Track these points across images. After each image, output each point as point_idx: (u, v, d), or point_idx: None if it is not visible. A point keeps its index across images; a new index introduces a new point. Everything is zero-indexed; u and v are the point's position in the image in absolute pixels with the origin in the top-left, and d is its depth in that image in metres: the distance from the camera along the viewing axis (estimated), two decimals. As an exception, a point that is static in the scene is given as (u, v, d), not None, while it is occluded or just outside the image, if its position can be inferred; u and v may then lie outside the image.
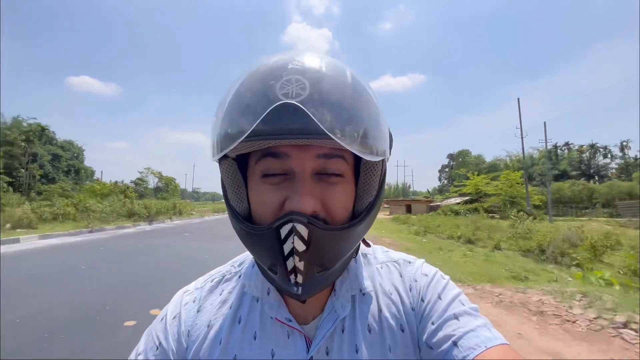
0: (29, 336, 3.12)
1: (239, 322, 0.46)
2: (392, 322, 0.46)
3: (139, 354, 0.45)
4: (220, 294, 0.50)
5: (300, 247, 0.35)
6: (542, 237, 8.37)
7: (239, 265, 0.54)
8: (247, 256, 0.54)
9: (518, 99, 28.09)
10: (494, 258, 7.61)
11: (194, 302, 0.49)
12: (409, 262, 0.53)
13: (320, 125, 0.31)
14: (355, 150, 0.33)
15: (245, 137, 0.33)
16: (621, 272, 5.81)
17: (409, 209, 34.67)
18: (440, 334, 0.41)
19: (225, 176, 0.42)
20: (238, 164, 0.42)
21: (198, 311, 0.48)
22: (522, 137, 28.10)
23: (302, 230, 0.35)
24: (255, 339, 0.44)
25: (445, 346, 0.40)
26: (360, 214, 0.41)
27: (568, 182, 37.80)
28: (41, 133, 34.29)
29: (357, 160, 0.42)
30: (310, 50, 0.40)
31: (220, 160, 0.41)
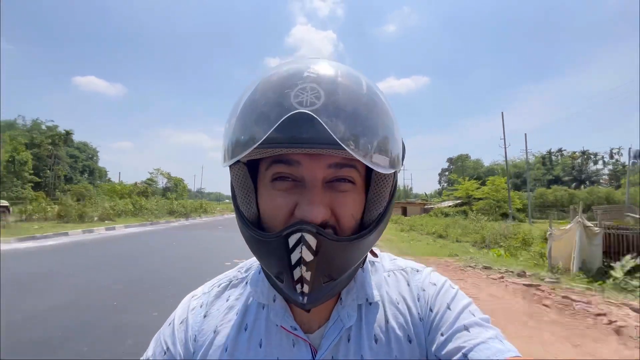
0: (142, 293, 5.00)
1: (245, 330, 0.46)
2: (399, 332, 0.44)
3: (148, 358, 0.46)
4: (227, 300, 0.50)
5: (308, 257, 0.35)
6: (486, 232, 11.31)
7: (246, 271, 0.54)
8: (253, 262, 0.54)
9: (502, 112, 30.53)
10: (449, 246, 10.56)
11: (201, 307, 0.50)
12: (417, 271, 0.52)
13: (334, 136, 0.31)
14: (367, 162, 0.33)
15: (258, 145, 0.33)
16: (534, 254, 8.38)
17: (404, 211, 37.02)
18: (450, 346, 0.40)
19: (235, 181, 0.42)
20: (248, 169, 0.42)
21: (205, 316, 0.48)
22: (505, 148, 30.52)
23: (311, 240, 0.34)
24: (260, 346, 0.44)
25: (455, 358, 0.38)
26: (370, 225, 0.40)
27: (552, 187, 40.38)
28: (66, 137, 37.25)
29: (369, 169, 0.41)
30: (324, 58, 0.40)
31: (231, 165, 0.41)
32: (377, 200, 0.41)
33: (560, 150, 60.50)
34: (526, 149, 31.17)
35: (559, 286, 5.28)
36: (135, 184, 37.96)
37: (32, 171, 30.43)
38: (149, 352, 0.47)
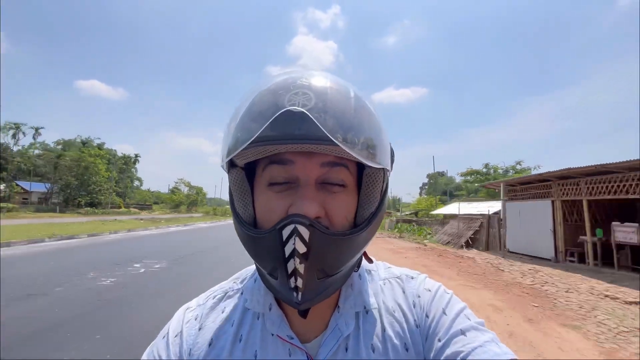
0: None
1: (240, 341, 0.45)
2: (396, 341, 0.45)
3: None
4: (222, 312, 0.50)
5: (302, 248, 0.36)
6: (421, 231, 22.56)
7: (241, 282, 0.54)
8: (248, 272, 0.55)
9: (433, 156, 44.16)
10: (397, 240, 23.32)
11: (195, 319, 0.49)
12: (412, 278, 0.52)
13: (323, 129, 0.33)
14: (356, 154, 0.35)
15: (252, 142, 0.35)
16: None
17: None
18: (448, 351, 0.40)
19: (233, 185, 0.43)
20: (246, 174, 0.43)
21: (200, 329, 0.48)
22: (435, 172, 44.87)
23: (304, 231, 0.35)
24: (255, 357, 0.44)
25: None
26: (362, 223, 0.41)
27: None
28: (135, 159, 50.27)
29: (360, 171, 0.42)
30: (317, 69, 0.44)
31: (229, 170, 0.43)
32: (368, 200, 0.42)
33: (518, 162, 73.59)
34: (434, 167, 45.69)
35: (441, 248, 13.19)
36: (188, 195, 51.14)
37: (115, 185, 43.62)
38: None
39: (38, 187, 36.31)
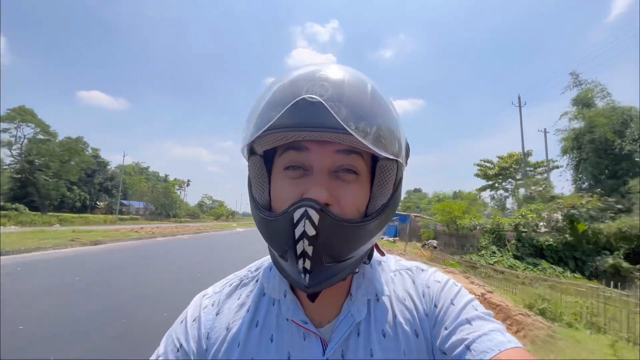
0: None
1: (256, 326, 0.47)
2: (406, 327, 0.46)
3: (160, 356, 0.46)
4: (239, 298, 0.51)
5: (311, 231, 0.37)
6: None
7: (256, 270, 0.56)
8: (263, 262, 0.57)
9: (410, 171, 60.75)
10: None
11: (212, 305, 0.51)
12: (422, 270, 0.53)
13: (336, 117, 0.34)
14: (367, 142, 0.36)
15: (268, 129, 0.36)
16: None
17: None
18: (454, 339, 0.41)
19: (252, 171, 0.45)
20: (265, 164, 0.45)
21: (217, 314, 0.49)
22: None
23: (314, 215, 0.36)
24: (272, 341, 0.45)
25: (458, 350, 0.40)
26: (372, 214, 0.42)
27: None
28: (188, 183, 68.89)
29: (374, 161, 0.44)
30: (337, 63, 0.43)
31: (249, 157, 0.45)
32: (380, 191, 0.43)
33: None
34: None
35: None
36: (233, 213, 68.90)
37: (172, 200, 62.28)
38: (160, 350, 0.47)
39: (134, 203, 54.71)
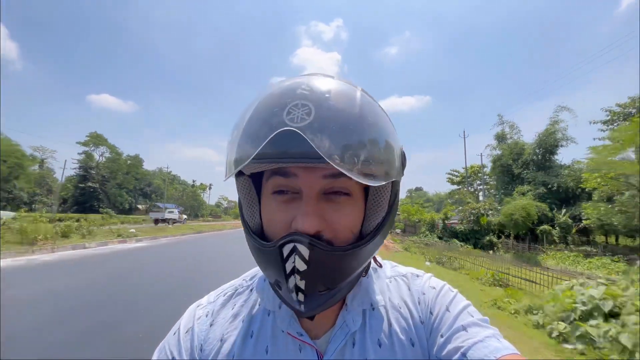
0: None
1: (251, 337, 0.46)
2: (402, 336, 0.45)
3: None
4: (233, 308, 0.50)
5: (302, 266, 0.36)
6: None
7: (250, 279, 0.55)
8: (257, 270, 0.55)
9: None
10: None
11: (206, 316, 0.49)
12: (417, 276, 0.53)
13: (319, 152, 0.32)
14: (354, 175, 0.33)
15: (252, 161, 0.34)
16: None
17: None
18: (449, 346, 0.40)
19: (240, 192, 0.44)
20: (253, 181, 0.44)
21: (211, 325, 0.48)
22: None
23: (304, 250, 0.35)
24: (267, 353, 0.44)
25: (454, 358, 0.39)
26: (368, 235, 0.41)
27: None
28: (210, 187, 78.32)
29: None
30: (321, 74, 0.41)
31: (236, 177, 0.43)
32: (375, 211, 0.42)
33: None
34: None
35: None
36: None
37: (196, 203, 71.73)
38: None
39: (168, 205, 64.36)
